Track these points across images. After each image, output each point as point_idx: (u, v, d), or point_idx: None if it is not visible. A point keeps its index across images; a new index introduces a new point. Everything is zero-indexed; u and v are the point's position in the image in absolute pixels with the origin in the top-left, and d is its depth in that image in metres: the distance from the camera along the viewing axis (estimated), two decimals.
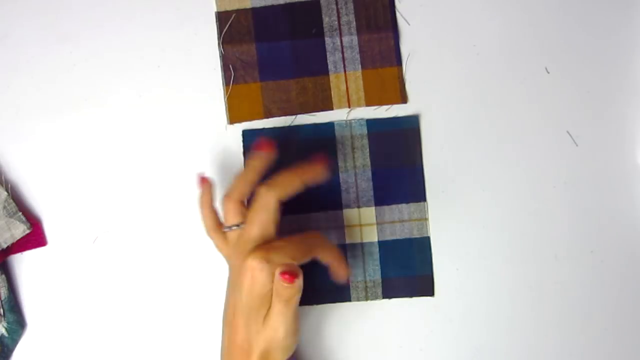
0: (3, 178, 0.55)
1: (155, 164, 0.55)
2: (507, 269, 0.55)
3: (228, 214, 0.50)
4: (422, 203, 0.55)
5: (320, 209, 0.55)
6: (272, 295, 0.46)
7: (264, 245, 0.47)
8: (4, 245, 0.54)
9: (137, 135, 0.56)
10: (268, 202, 0.48)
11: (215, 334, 0.54)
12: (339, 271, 0.50)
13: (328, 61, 0.56)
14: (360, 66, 0.55)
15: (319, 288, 0.54)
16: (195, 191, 0.55)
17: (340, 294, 0.55)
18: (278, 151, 0.54)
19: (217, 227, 0.50)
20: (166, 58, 0.56)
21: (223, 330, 0.49)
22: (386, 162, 0.55)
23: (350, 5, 0.56)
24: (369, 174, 0.55)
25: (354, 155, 0.55)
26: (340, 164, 0.55)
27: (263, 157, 0.50)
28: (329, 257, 0.50)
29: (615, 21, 0.55)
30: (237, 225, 0.49)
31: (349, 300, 0.55)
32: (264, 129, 0.55)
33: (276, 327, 0.46)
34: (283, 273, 0.45)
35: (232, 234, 0.49)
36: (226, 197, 0.50)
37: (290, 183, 0.49)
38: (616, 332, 0.55)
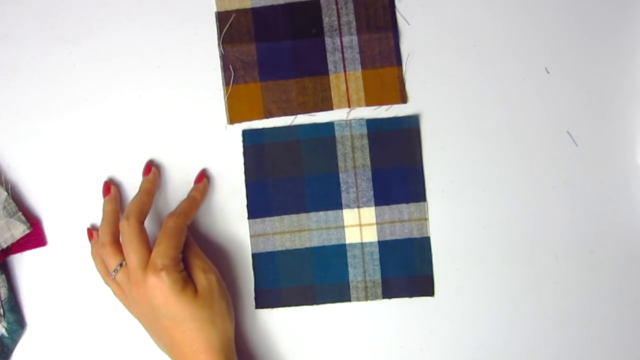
0: (3, 178, 0.55)
1: (155, 164, 0.55)
2: (507, 269, 0.55)
3: (108, 260, 0.51)
4: (422, 203, 0.55)
5: (320, 209, 0.55)
6: (185, 288, 0.48)
7: (147, 266, 0.48)
8: (4, 245, 0.54)
9: (137, 135, 0.56)
10: (126, 229, 0.49)
11: None
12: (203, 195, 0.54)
13: (328, 61, 0.56)
14: (360, 66, 0.55)
15: (319, 288, 0.54)
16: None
17: (340, 294, 0.55)
18: (278, 151, 0.54)
19: (108, 276, 0.52)
20: (166, 58, 0.56)
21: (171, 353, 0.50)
22: (386, 162, 0.55)
23: (350, 5, 0.55)
24: (369, 174, 0.55)
25: (354, 155, 0.55)
26: (340, 164, 0.55)
27: (111, 198, 0.53)
28: (195, 211, 0.53)
29: (615, 21, 0.55)
30: (120, 265, 0.50)
31: (349, 300, 0.55)
32: (263, 128, 0.55)
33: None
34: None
35: (120, 275, 0.50)
36: (100, 245, 0.51)
37: (144, 203, 0.51)
38: (616, 332, 0.55)
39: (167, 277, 0.48)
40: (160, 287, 0.47)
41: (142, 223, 0.50)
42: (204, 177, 0.54)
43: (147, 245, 0.49)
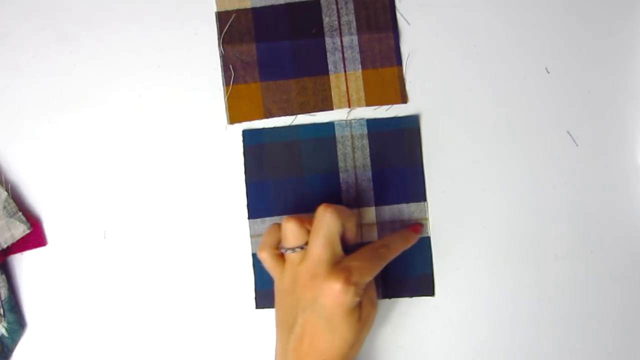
0: (3, 178, 0.55)
1: (155, 165, 0.55)
2: (507, 269, 0.55)
3: (291, 235, 0.49)
4: (422, 203, 0.55)
5: None
6: (355, 311, 0.48)
7: (341, 268, 0.47)
8: (4, 245, 0.54)
9: (137, 136, 0.56)
10: (330, 221, 0.48)
11: (216, 334, 0.54)
12: (412, 242, 0.53)
13: (328, 61, 0.56)
14: (360, 66, 0.55)
15: None
16: (194, 192, 0.55)
17: None
18: (278, 151, 0.54)
19: (274, 247, 0.51)
20: (166, 58, 0.56)
21: (286, 347, 0.49)
22: (386, 162, 0.55)
23: (351, 5, 0.56)
24: (369, 174, 0.55)
25: (354, 155, 0.55)
26: (341, 164, 0.55)
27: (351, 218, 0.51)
28: (399, 252, 0.52)
29: (615, 21, 0.55)
30: (300, 248, 0.49)
31: None
32: (263, 128, 0.55)
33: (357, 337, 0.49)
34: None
35: (294, 256, 0.49)
36: (288, 217, 0.49)
37: (348, 212, 0.50)
38: (616, 332, 0.55)
39: (353, 294, 0.46)
40: (340, 296, 0.46)
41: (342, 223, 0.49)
42: (420, 229, 0.54)
43: (339, 244, 0.49)
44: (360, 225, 0.55)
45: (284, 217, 0.50)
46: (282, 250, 0.50)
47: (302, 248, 0.49)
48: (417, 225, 0.55)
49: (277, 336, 0.51)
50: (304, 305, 0.48)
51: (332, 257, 0.48)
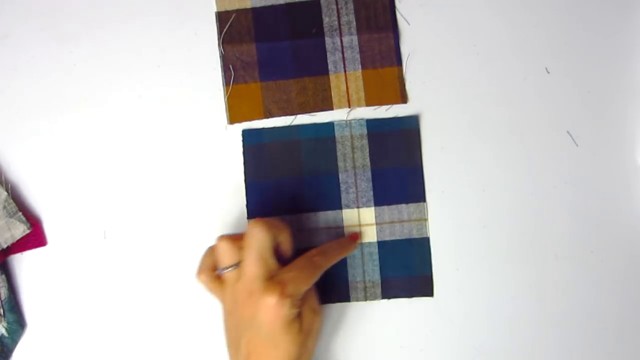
0: (3, 178, 0.55)
1: (156, 165, 0.55)
2: (507, 269, 0.55)
3: (224, 255, 0.49)
4: (421, 203, 0.55)
5: (320, 209, 0.55)
6: (294, 322, 0.47)
7: (275, 281, 0.47)
8: (4, 245, 0.54)
9: (137, 136, 0.56)
10: (260, 236, 0.48)
11: (216, 334, 0.54)
12: (350, 251, 0.54)
13: (328, 61, 0.56)
14: (360, 66, 0.55)
15: (318, 289, 0.54)
16: (194, 192, 0.55)
17: (339, 294, 0.55)
18: (278, 151, 0.54)
19: (211, 269, 0.50)
20: (166, 58, 0.56)
21: None
22: (386, 162, 0.55)
23: (350, 5, 0.55)
24: (369, 174, 0.55)
25: (353, 156, 0.55)
26: (340, 164, 0.55)
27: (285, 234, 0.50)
28: (337, 259, 0.51)
29: (615, 21, 0.55)
30: (235, 266, 0.49)
31: (348, 300, 0.55)
32: (263, 128, 0.55)
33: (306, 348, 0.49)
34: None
35: (230, 275, 0.49)
36: (220, 237, 0.49)
37: (279, 224, 0.49)
38: (616, 332, 0.55)
39: (289, 306, 0.46)
40: (276, 310, 0.46)
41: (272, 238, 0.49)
42: (358, 238, 0.55)
43: (273, 257, 0.48)
44: (359, 226, 0.55)
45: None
46: (218, 272, 0.49)
47: (237, 266, 0.48)
48: (355, 234, 0.55)
49: (229, 354, 0.50)
50: (244, 324, 0.47)
51: (266, 272, 0.47)
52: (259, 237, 0.47)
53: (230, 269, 0.48)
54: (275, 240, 0.48)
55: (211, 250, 0.51)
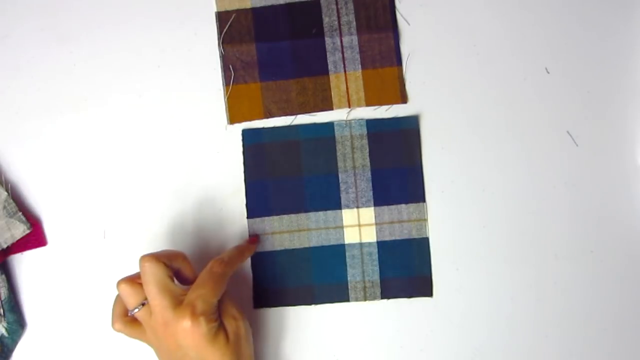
0: (3, 178, 0.55)
1: (155, 165, 0.55)
2: (507, 268, 0.55)
3: (128, 297, 0.49)
4: (421, 203, 0.55)
5: (320, 209, 0.55)
6: (218, 335, 0.47)
7: (184, 305, 0.47)
8: (4, 245, 0.54)
9: (137, 136, 0.56)
10: (152, 270, 0.47)
11: None
12: (250, 253, 0.54)
13: (328, 61, 0.56)
14: (360, 66, 0.55)
15: (318, 288, 0.55)
16: (194, 192, 0.55)
17: (338, 294, 0.55)
18: (278, 151, 0.54)
19: (124, 315, 0.50)
20: (166, 58, 0.56)
21: None
22: (386, 163, 0.55)
23: (350, 5, 0.55)
24: (369, 174, 0.55)
25: (353, 156, 0.55)
26: (340, 163, 0.55)
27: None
28: (238, 264, 0.52)
29: (615, 21, 0.55)
30: (142, 304, 0.48)
31: (348, 300, 0.55)
32: (263, 128, 0.55)
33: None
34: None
35: (141, 314, 0.49)
36: (118, 281, 0.49)
37: (169, 253, 0.49)
38: (616, 332, 0.55)
39: (205, 323, 0.46)
40: (195, 331, 0.46)
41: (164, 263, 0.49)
42: (257, 241, 0.55)
43: (171, 282, 0.48)
44: (359, 226, 0.55)
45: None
46: (130, 314, 0.49)
47: (144, 304, 0.48)
48: (255, 237, 0.55)
49: None
50: (174, 354, 0.48)
51: (172, 301, 0.47)
52: (152, 272, 0.47)
53: (138, 308, 0.48)
54: (171, 268, 0.48)
55: (117, 300, 0.51)
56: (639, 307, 0.55)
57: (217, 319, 0.48)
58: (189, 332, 0.46)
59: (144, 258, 0.48)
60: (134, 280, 0.49)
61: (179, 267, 0.49)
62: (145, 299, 0.48)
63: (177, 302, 0.47)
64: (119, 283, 0.49)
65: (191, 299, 0.47)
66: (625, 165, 0.55)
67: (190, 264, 0.50)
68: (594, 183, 0.55)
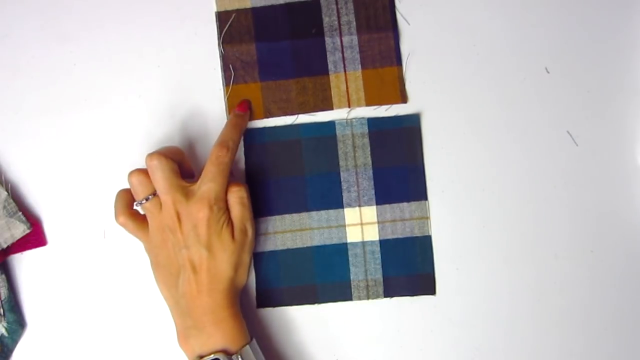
0: (3, 178, 0.55)
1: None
2: (507, 268, 0.55)
3: (138, 186, 0.50)
4: (423, 202, 0.55)
5: (322, 208, 0.55)
6: (226, 229, 0.50)
7: (198, 197, 0.49)
8: (4, 245, 0.54)
9: (137, 136, 0.56)
10: (160, 166, 0.49)
11: None
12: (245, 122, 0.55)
13: (328, 61, 0.56)
14: (360, 66, 0.55)
15: (320, 287, 0.55)
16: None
17: (341, 293, 0.55)
18: (279, 151, 0.54)
19: (128, 208, 0.52)
20: (166, 58, 0.56)
21: (176, 297, 0.51)
22: (387, 161, 0.55)
23: (350, 5, 0.56)
24: (370, 172, 0.55)
25: (355, 154, 0.55)
26: (342, 162, 0.55)
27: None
28: (238, 140, 0.53)
29: (615, 21, 0.55)
30: (153, 195, 0.50)
31: (351, 299, 0.55)
32: (264, 128, 0.55)
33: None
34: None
35: (149, 206, 0.50)
36: (130, 171, 0.51)
37: (171, 148, 0.52)
38: (616, 332, 0.55)
39: (217, 211, 0.49)
40: (209, 218, 0.49)
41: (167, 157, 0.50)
42: (247, 108, 0.55)
43: (176, 175, 0.50)
44: (361, 224, 0.55)
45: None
46: (136, 206, 0.51)
47: (154, 196, 0.50)
48: (240, 104, 0.55)
49: (165, 296, 0.52)
50: (179, 245, 0.50)
51: (181, 193, 0.49)
52: (161, 168, 0.49)
53: (149, 198, 0.50)
54: (176, 162, 0.50)
55: (122, 193, 0.52)
56: (639, 307, 0.55)
57: (225, 211, 0.50)
58: (203, 218, 0.49)
59: (152, 156, 0.50)
60: (145, 172, 0.50)
61: (180, 162, 0.51)
62: (154, 192, 0.50)
63: (186, 194, 0.50)
64: (130, 173, 0.50)
65: (203, 191, 0.50)
66: (625, 165, 0.55)
67: (186, 157, 0.53)
68: (594, 183, 0.55)
